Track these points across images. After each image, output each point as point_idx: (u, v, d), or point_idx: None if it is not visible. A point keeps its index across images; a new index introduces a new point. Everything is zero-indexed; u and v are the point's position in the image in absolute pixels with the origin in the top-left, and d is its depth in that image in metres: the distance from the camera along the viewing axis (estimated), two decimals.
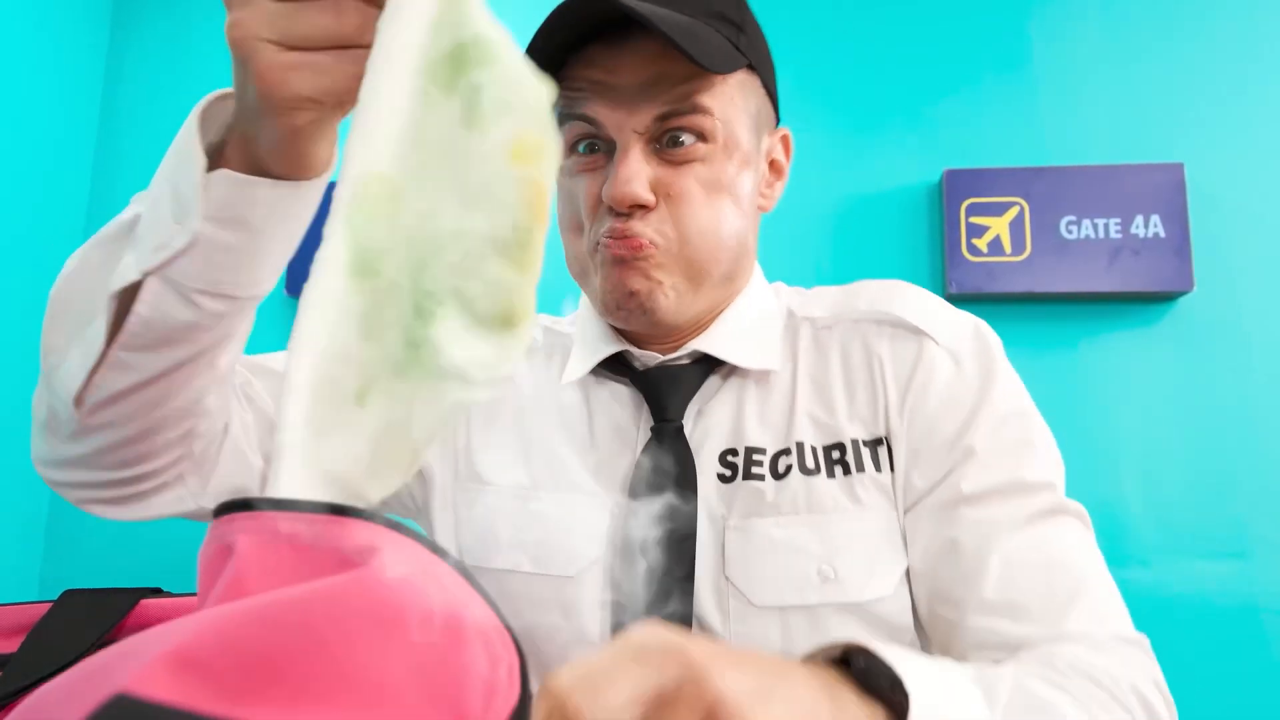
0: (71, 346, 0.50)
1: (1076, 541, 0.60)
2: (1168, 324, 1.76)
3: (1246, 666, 1.62)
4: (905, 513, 0.62)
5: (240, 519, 0.26)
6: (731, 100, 0.62)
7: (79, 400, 0.50)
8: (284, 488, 0.30)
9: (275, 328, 2.30)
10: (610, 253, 0.61)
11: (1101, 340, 1.77)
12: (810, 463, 0.63)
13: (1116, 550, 1.69)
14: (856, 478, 0.62)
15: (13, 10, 1.90)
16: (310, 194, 0.46)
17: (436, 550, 0.25)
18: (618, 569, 0.62)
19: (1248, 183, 1.78)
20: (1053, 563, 0.58)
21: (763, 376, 0.67)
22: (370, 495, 0.33)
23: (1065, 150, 1.83)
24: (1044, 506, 0.60)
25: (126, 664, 0.21)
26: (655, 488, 0.63)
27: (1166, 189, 1.75)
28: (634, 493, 0.63)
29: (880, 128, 1.90)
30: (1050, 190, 1.78)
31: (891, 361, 0.64)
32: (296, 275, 1.95)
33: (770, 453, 0.64)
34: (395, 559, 0.23)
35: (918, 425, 0.63)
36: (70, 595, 0.39)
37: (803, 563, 0.60)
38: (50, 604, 0.40)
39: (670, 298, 0.62)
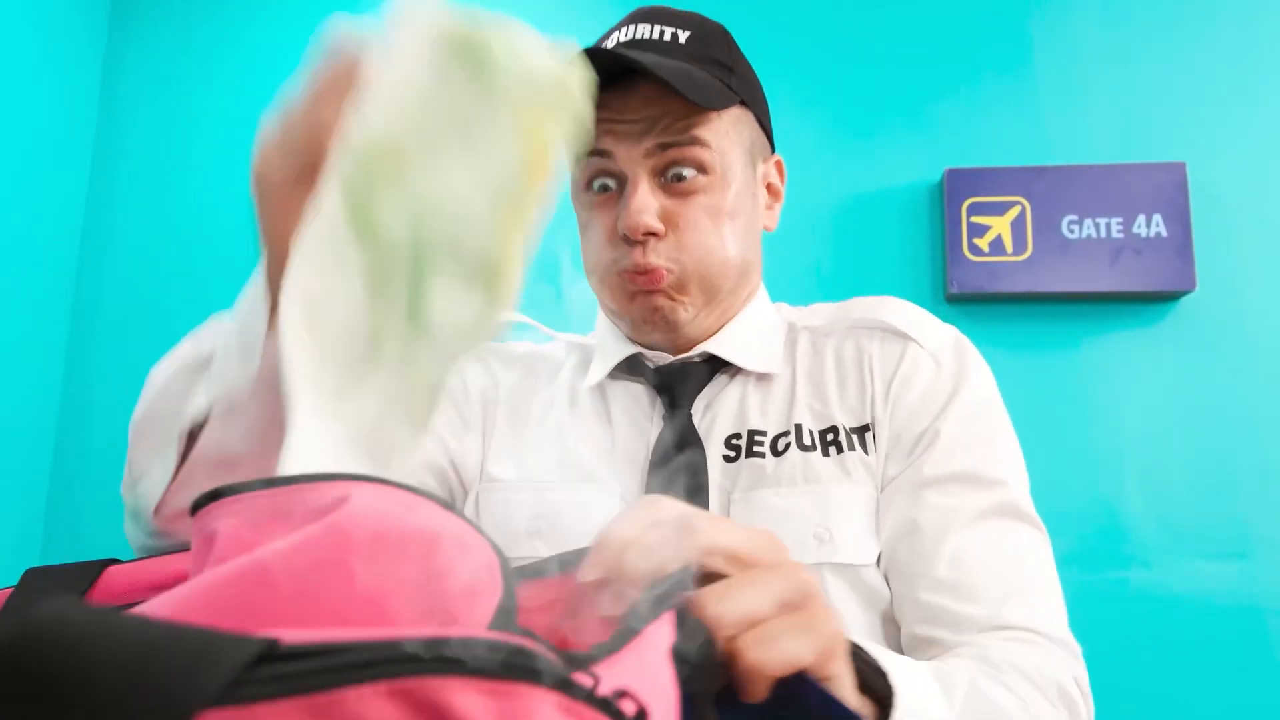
0: (152, 463, 0.55)
1: (1030, 545, 0.66)
2: (1170, 324, 1.76)
3: (1248, 667, 1.62)
4: (880, 494, 0.69)
5: (216, 508, 0.27)
6: (726, 134, 0.70)
7: (158, 510, 0.55)
8: (299, 452, 0.31)
9: None
10: (634, 286, 0.70)
11: (1103, 340, 1.77)
12: (807, 441, 0.70)
13: (1118, 551, 1.69)
14: (848, 455, 0.69)
15: (9, 10, 1.90)
16: None
17: (406, 486, 0.26)
18: None
19: (1250, 182, 1.77)
20: (1004, 556, 0.64)
21: (765, 378, 0.74)
22: (394, 454, 0.34)
23: (1067, 149, 1.83)
24: (1001, 503, 0.66)
25: None
26: (669, 466, 0.69)
27: (1168, 188, 1.74)
28: (649, 472, 0.70)
29: (881, 127, 1.90)
30: (1052, 189, 1.78)
31: (879, 359, 0.71)
32: None
33: (771, 434, 0.71)
34: (364, 499, 0.24)
35: (898, 416, 0.69)
36: (32, 573, 0.38)
37: (801, 527, 0.66)
38: (12, 588, 0.40)
39: (689, 312, 0.71)
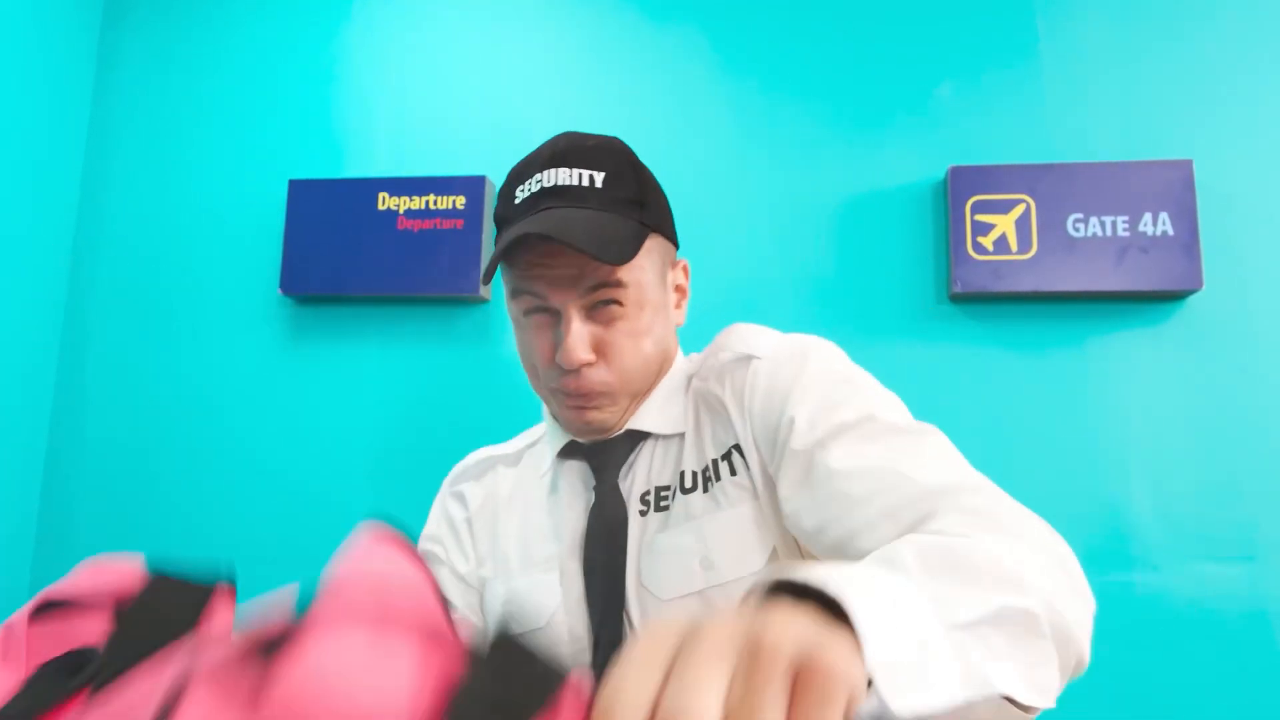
0: None
1: (923, 444, 0.69)
2: (1176, 323, 1.74)
3: (1255, 670, 1.61)
4: (782, 498, 0.74)
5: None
6: (640, 266, 0.81)
7: None
8: None
9: (272, 327, 2.25)
10: (571, 402, 0.83)
11: (1109, 340, 1.75)
12: (689, 484, 0.82)
13: (1123, 553, 1.67)
14: (717, 486, 0.80)
15: (4, 7, 1.88)
16: None
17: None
18: (571, 603, 0.84)
19: (1257, 180, 1.76)
20: (897, 462, 0.67)
21: (672, 437, 0.86)
22: None
23: (1072, 147, 1.81)
24: (864, 426, 0.70)
25: None
26: (599, 533, 0.84)
27: (1175, 186, 1.72)
28: (585, 537, 0.85)
29: (884, 124, 1.88)
30: (1057, 187, 1.76)
31: (731, 388, 0.82)
32: (292, 273, 1.93)
33: (671, 485, 0.84)
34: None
35: (756, 422, 0.79)
36: (160, 581, 0.38)
37: (688, 559, 0.79)
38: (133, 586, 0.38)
39: (616, 414, 0.85)
